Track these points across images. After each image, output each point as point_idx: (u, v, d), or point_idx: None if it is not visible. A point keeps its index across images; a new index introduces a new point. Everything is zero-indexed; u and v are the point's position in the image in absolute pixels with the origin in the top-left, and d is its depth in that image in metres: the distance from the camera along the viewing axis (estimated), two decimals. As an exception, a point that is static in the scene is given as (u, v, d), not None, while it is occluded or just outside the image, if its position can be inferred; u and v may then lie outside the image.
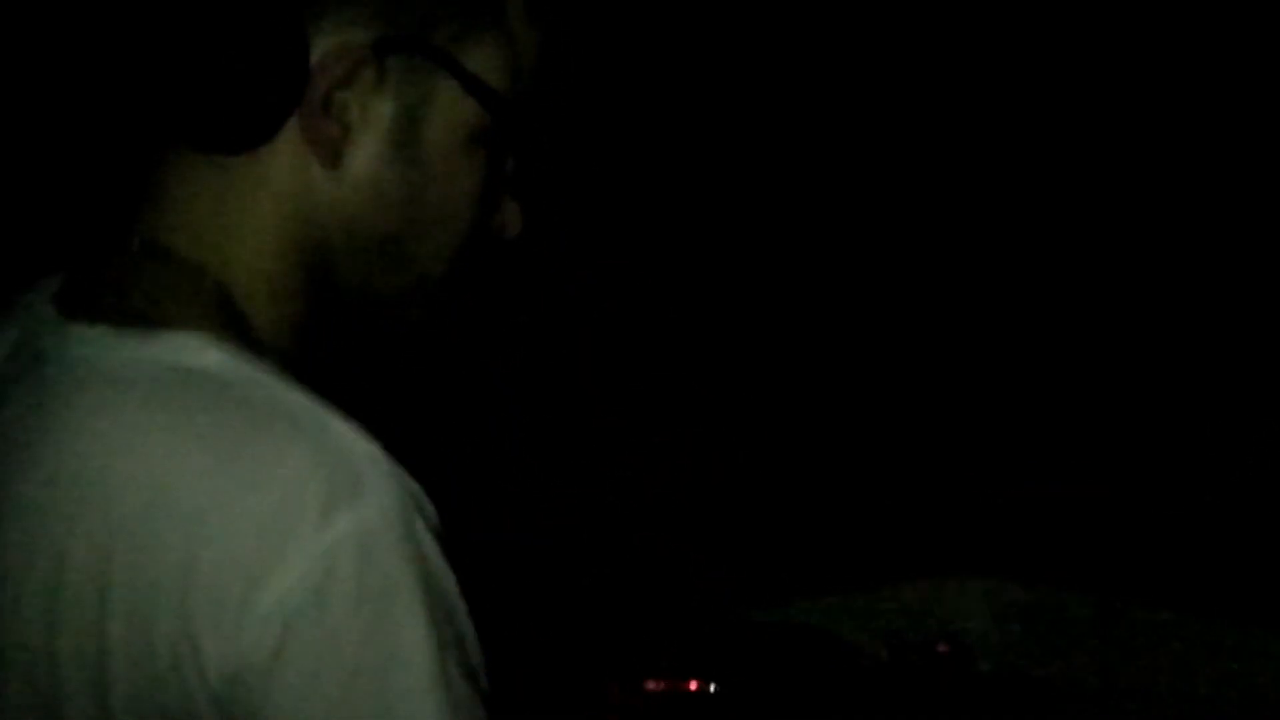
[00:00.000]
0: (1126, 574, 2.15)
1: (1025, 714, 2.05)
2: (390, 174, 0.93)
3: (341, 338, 0.98)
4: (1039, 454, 2.26)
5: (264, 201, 0.93)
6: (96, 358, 0.89)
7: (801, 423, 2.32)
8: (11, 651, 0.87)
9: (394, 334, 1.01)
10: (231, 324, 0.91)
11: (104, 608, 0.84)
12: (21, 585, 0.87)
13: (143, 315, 0.90)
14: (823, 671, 1.99)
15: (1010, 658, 2.14)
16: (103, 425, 0.87)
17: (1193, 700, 2.04)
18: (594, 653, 1.98)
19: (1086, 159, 2.24)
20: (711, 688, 1.93)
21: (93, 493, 0.85)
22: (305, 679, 0.82)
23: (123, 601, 0.84)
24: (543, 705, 1.84)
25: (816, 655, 2.01)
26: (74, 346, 0.91)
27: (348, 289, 0.96)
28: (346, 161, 0.92)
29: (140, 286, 0.92)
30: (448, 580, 0.87)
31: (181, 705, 0.83)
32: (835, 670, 2.00)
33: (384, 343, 1.01)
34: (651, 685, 1.90)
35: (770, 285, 2.32)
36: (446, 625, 0.85)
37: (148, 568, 0.83)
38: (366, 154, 0.93)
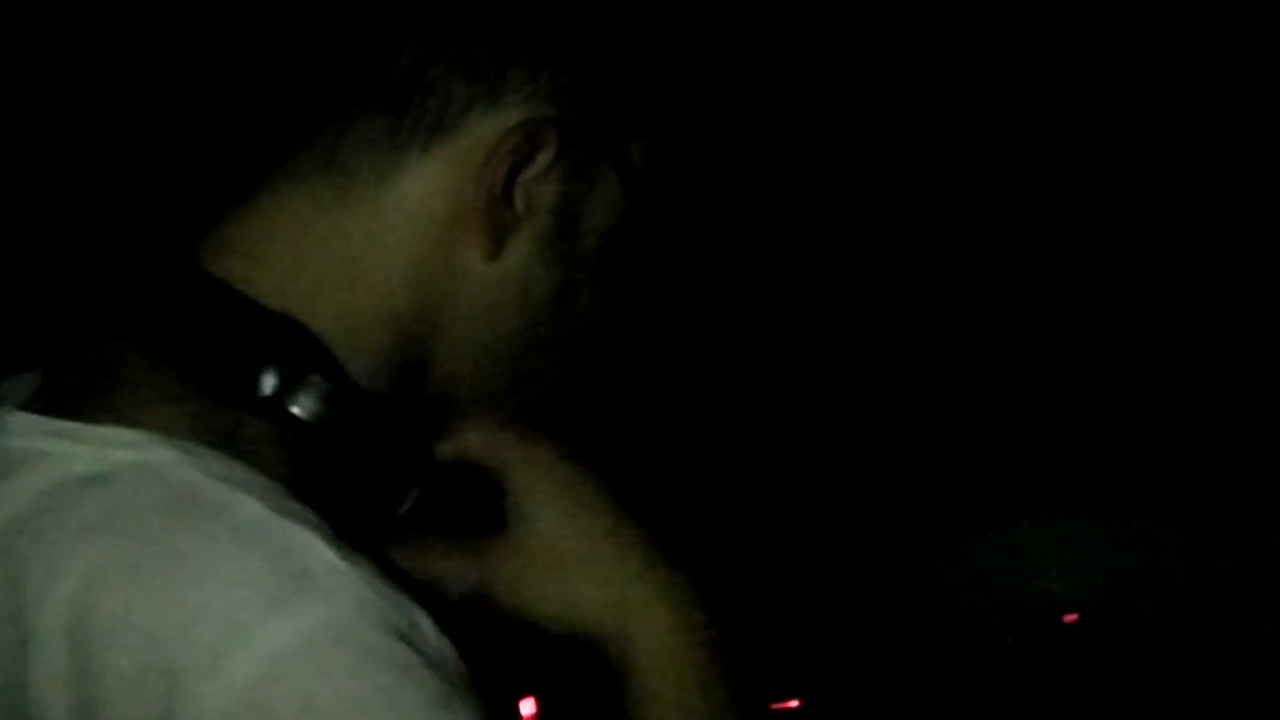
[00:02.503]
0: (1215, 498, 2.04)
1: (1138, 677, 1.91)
2: (542, 271, 0.85)
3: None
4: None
5: (393, 276, 0.83)
6: (29, 455, 0.80)
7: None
8: None
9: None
10: (217, 423, 0.80)
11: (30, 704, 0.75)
12: None
13: (92, 406, 0.80)
14: (946, 669, 1.87)
15: (1104, 603, 2.01)
16: (29, 535, 0.78)
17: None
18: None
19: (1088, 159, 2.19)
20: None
21: (9, 609, 0.77)
22: None
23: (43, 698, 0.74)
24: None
25: (933, 649, 1.88)
26: (7, 446, 0.82)
27: (439, 386, 0.86)
28: (505, 252, 0.83)
29: (105, 376, 0.82)
30: (409, 699, 0.72)
31: None
32: (959, 666, 1.88)
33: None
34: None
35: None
36: None
37: (52, 681, 0.74)
38: (525, 246, 0.84)
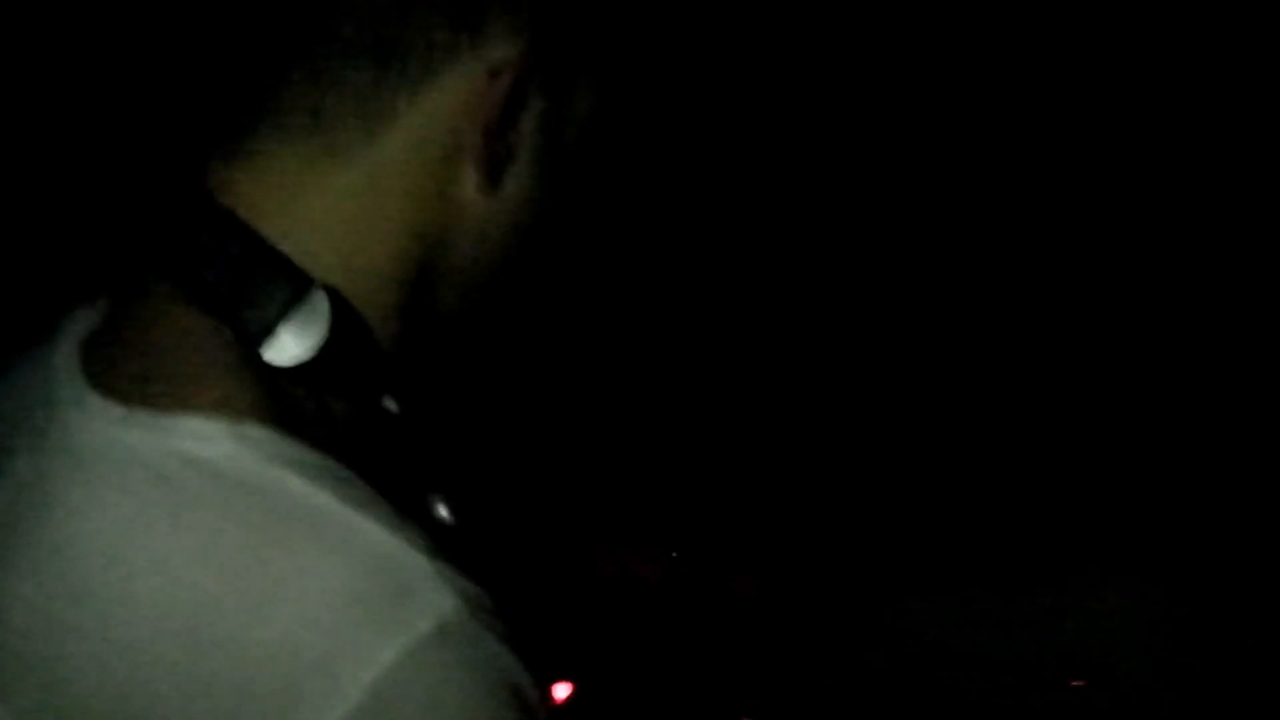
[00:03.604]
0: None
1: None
2: (534, 188, 0.87)
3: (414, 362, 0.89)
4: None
5: (394, 218, 0.84)
6: (99, 443, 0.79)
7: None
8: None
9: (468, 355, 0.93)
10: (274, 399, 0.80)
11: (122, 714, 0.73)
12: (9, 691, 0.76)
13: (160, 388, 0.80)
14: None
15: (1156, 676, 1.96)
16: (100, 529, 0.76)
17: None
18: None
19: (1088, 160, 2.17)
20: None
21: (89, 605, 0.75)
22: None
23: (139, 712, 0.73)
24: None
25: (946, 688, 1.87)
26: (78, 425, 0.80)
27: (445, 310, 0.88)
28: (504, 183, 0.85)
29: (166, 347, 0.81)
30: (524, 684, 0.75)
31: None
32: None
33: (459, 364, 0.93)
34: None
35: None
36: None
37: (158, 696, 0.72)
38: (522, 174, 0.86)
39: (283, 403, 0.80)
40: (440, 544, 0.77)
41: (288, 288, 0.81)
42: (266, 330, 0.80)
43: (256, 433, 0.78)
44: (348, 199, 0.83)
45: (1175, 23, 2.08)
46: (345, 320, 0.82)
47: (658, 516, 1.93)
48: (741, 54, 2.12)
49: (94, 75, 1.72)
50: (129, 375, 0.81)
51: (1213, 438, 2.08)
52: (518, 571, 0.87)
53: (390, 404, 0.85)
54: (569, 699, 1.68)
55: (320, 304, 0.81)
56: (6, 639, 0.77)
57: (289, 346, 0.80)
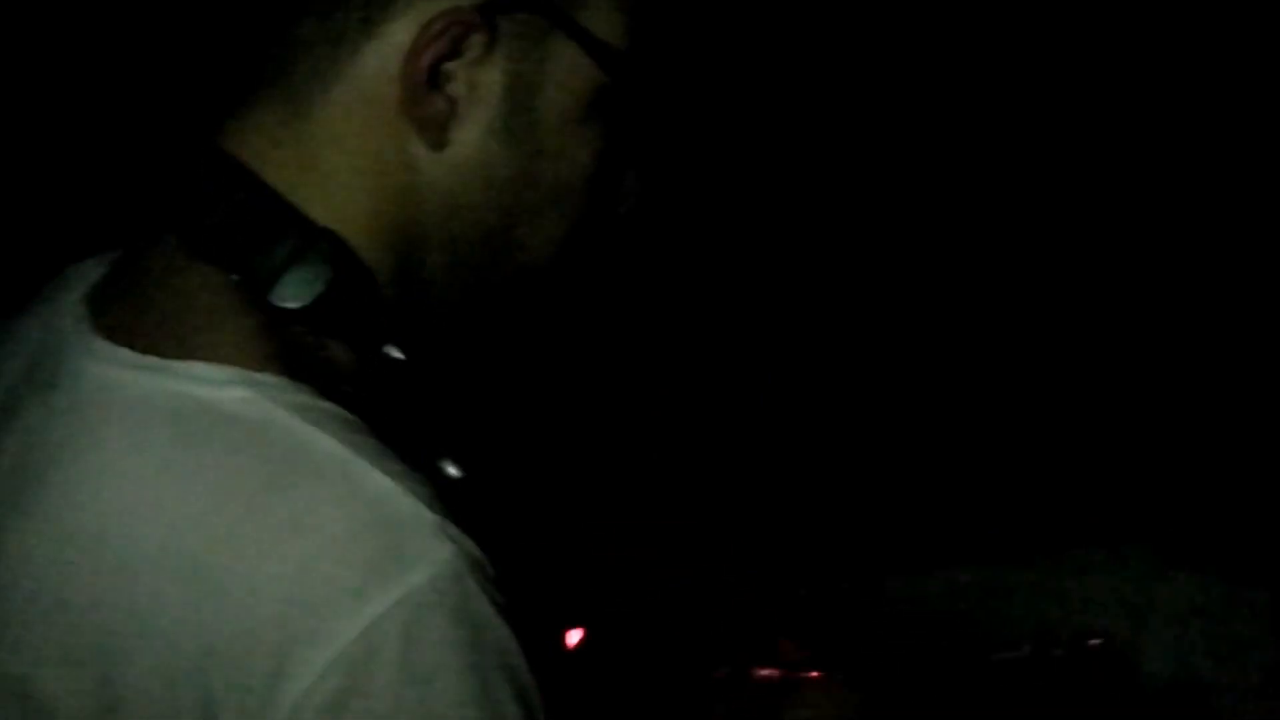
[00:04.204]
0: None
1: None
2: (501, 152, 0.85)
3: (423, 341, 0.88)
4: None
5: (359, 175, 0.83)
6: (111, 387, 0.80)
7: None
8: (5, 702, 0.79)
9: (485, 334, 0.92)
10: (281, 341, 0.81)
11: (113, 666, 0.76)
12: (22, 635, 0.78)
13: (170, 335, 0.81)
14: (953, 664, 1.86)
15: (1172, 655, 1.95)
16: (111, 471, 0.78)
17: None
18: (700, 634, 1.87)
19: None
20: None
21: (100, 547, 0.77)
22: None
23: (134, 665, 0.75)
24: (646, 693, 1.74)
25: (946, 645, 1.88)
26: (89, 371, 0.81)
27: (437, 283, 0.87)
28: (453, 140, 0.83)
29: (175, 295, 0.82)
30: (512, 653, 0.76)
31: None
32: (967, 663, 1.87)
33: (473, 343, 0.93)
34: (765, 673, 1.77)
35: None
36: (511, 706, 0.75)
37: (163, 634, 0.74)
38: (474, 131, 0.84)
39: (291, 350, 0.81)
40: (443, 496, 0.78)
41: (293, 232, 0.82)
42: (273, 275, 0.81)
43: (266, 379, 0.79)
44: (318, 153, 0.83)
45: (1175, 23, 2.07)
46: (349, 265, 0.82)
47: (650, 493, 1.94)
48: (736, 42, 2.10)
49: (102, 49, 1.74)
50: (138, 322, 0.82)
51: (1195, 411, 2.09)
52: (524, 522, 0.89)
53: (395, 352, 0.85)
54: (580, 644, 1.70)
55: (324, 248, 0.82)
56: (20, 581, 0.79)
57: (296, 290, 0.81)
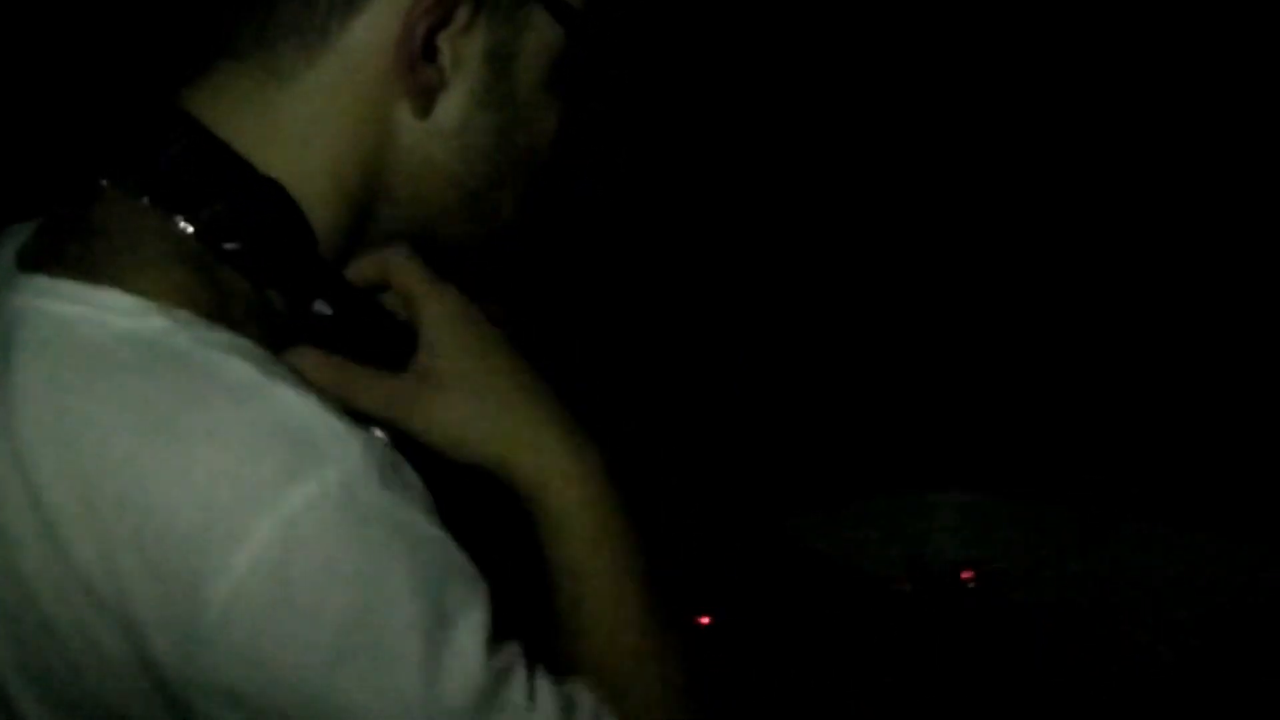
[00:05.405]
0: (1110, 489, 2.10)
1: (1025, 638, 1.97)
2: (481, 120, 0.87)
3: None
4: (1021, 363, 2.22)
5: (331, 139, 0.86)
6: (24, 312, 0.82)
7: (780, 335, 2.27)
8: None
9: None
10: (209, 284, 0.82)
11: (26, 602, 0.78)
12: None
13: (91, 266, 0.82)
14: (845, 604, 1.91)
15: (997, 579, 2.06)
16: (24, 398, 0.79)
17: (1186, 619, 1.98)
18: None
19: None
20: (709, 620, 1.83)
21: (20, 472, 0.78)
22: (273, 676, 0.74)
23: (42, 596, 0.77)
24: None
25: (836, 586, 1.92)
26: (4, 299, 0.83)
27: (386, 233, 0.88)
28: (437, 108, 0.86)
29: (101, 231, 0.83)
30: (441, 548, 0.78)
31: (127, 698, 0.77)
32: (858, 603, 1.92)
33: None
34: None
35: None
36: (443, 595, 0.76)
37: (68, 560, 0.76)
38: (458, 99, 0.87)
39: (221, 294, 0.82)
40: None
41: (232, 177, 0.83)
42: (213, 217, 0.83)
43: (188, 316, 0.80)
44: (290, 118, 0.85)
45: (1175, 23, 2.12)
46: (287, 214, 0.84)
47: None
48: (726, 40, 2.13)
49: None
50: (65, 255, 0.83)
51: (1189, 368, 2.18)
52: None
53: (324, 308, 0.87)
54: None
55: (263, 194, 0.84)
56: None
57: (231, 231, 0.83)
